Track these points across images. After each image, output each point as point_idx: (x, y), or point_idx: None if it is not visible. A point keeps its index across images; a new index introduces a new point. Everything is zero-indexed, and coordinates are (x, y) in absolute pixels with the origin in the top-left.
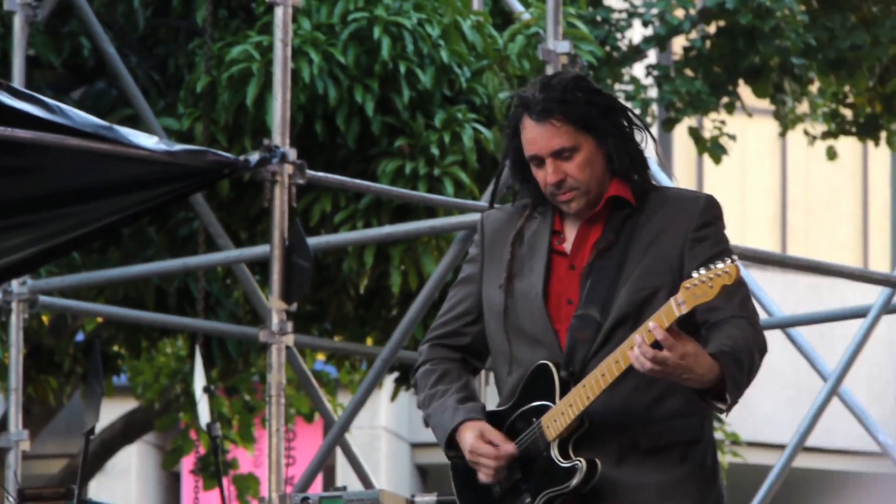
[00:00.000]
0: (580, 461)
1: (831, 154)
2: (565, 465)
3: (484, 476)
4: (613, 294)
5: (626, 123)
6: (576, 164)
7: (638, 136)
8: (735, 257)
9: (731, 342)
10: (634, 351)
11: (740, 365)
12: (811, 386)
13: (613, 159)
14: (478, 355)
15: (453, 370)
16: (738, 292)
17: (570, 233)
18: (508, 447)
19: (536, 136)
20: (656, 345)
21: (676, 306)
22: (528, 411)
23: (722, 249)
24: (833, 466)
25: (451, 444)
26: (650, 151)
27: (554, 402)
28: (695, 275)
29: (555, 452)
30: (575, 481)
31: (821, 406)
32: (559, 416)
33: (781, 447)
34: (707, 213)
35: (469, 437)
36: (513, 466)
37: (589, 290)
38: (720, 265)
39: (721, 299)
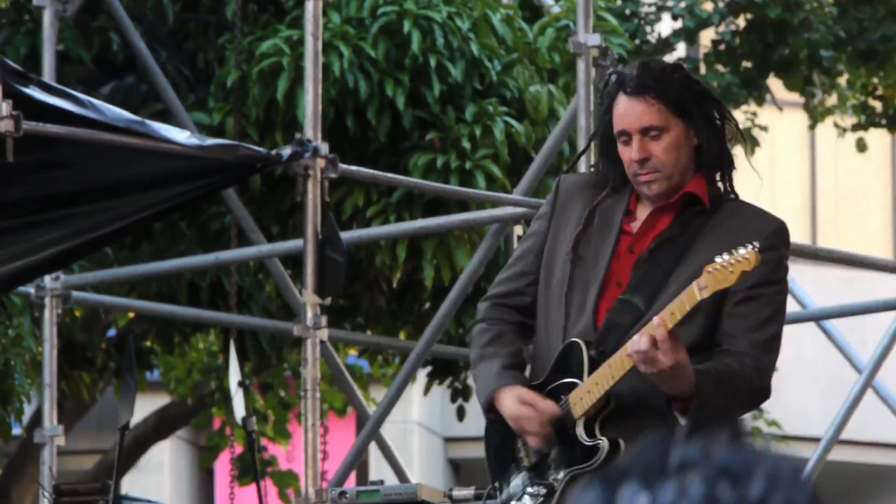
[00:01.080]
0: (603, 440)
1: (861, 146)
2: (589, 443)
3: (533, 442)
4: (663, 286)
5: (718, 117)
6: (663, 145)
7: (728, 133)
8: (757, 245)
9: (724, 369)
10: (639, 335)
11: (718, 390)
12: (843, 379)
13: (703, 150)
14: (535, 317)
15: (508, 334)
16: (767, 328)
17: (641, 216)
18: (547, 405)
19: (628, 110)
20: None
21: (699, 290)
22: (557, 388)
23: (777, 278)
24: (868, 459)
25: (490, 408)
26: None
27: (582, 380)
28: (718, 259)
29: (580, 430)
30: (598, 460)
31: (856, 398)
32: (585, 394)
33: (814, 440)
34: (774, 237)
35: (508, 403)
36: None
37: (640, 278)
38: (741, 251)
39: (747, 331)
